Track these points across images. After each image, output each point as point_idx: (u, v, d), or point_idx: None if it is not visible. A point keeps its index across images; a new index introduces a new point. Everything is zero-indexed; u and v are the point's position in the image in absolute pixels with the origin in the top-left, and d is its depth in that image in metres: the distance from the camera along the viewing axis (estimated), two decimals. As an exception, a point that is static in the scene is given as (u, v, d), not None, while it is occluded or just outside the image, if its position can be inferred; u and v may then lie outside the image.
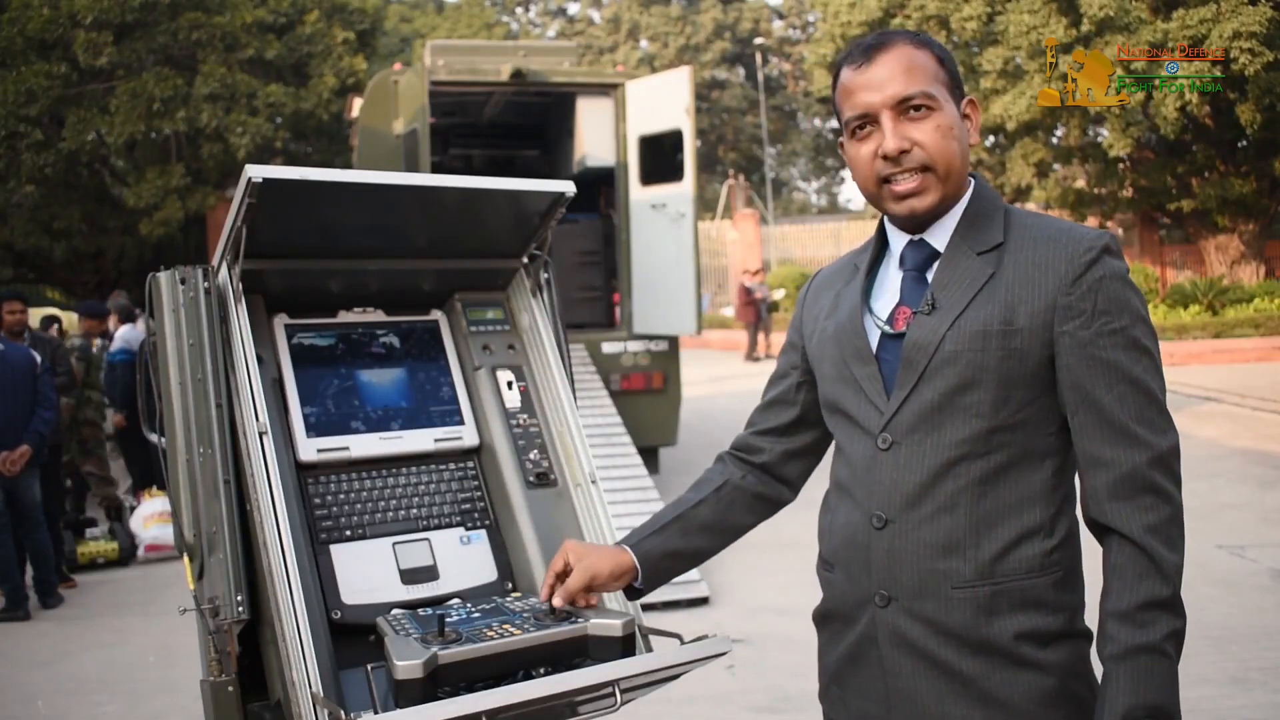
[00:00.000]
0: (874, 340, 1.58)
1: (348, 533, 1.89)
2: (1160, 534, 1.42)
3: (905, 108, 1.52)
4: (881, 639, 1.56)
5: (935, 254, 1.57)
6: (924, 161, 1.52)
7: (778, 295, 22.27)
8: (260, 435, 1.72)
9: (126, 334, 8.58)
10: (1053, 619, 1.50)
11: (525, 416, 2.10)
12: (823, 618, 1.69)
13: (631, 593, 1.77)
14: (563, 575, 1.72)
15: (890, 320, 1.57)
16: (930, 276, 1.56)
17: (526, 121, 10.05)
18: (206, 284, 1.80)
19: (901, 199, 1.55)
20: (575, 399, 2.09)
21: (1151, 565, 1.41)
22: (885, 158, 1.53)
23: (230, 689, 1.73)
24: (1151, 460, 1.44)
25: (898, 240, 1.62)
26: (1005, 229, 1.54)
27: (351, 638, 1.79)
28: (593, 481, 2.01)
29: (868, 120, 1.55)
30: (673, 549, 1.76)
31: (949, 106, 1.53)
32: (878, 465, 1.55)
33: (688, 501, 1.80)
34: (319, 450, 1.91)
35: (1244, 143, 17.23)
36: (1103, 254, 1.47)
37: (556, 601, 1.70)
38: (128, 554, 7.50)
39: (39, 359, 6.45)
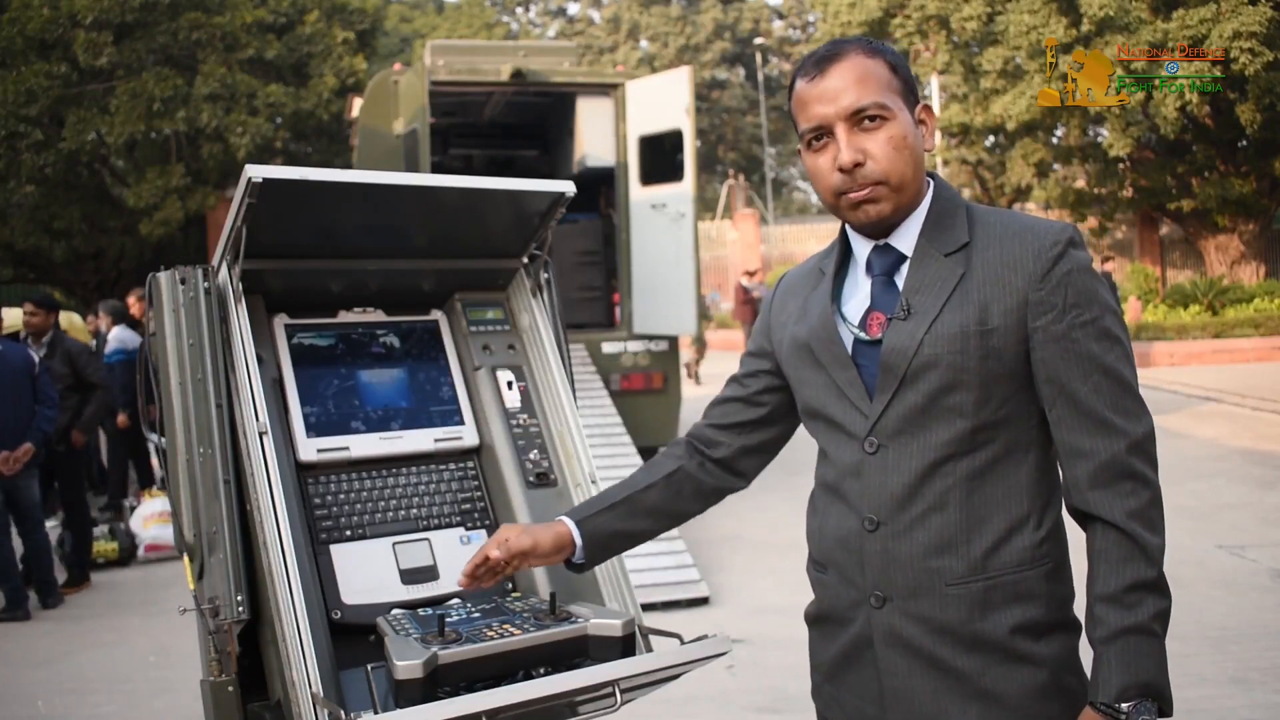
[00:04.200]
0: (848, 345, 1.59)
1: (348, 533, 1.89)
2: (1142, 518, 1.46)
3: (859, 119, 1.53)
4: (877, 639, 1.57)
5: (902, 257, 1.58)
6: (877, 176, 1.53)
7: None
8: (260, 435, 1.72)
9: (120, 335, 8.55)
10: (1045, 610, 1.52)
11: (525, 416, 2.10)
12: (815, 618, 1.70)
13: (571, 567, 1.79)
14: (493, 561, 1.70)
15: (863, 325, 1.58)
16: (900, 280, 1.57)
17: (526, 121, 10.03)
18: (206, 284, 1.80)
19: (857, 206, 1.55)
20: (575, 399, 2.09)
21: (1136, 548, 1.45)
22: (841, 170, 1.54)
23: (230, 689, 1.73)
24: (1129, 447, 1.47)
25: (862, 246, 1.63)
26: (970, 228, 1.56)
27: (351, 638, 1.79)
28: (593, 481, 2.01)
29: (823, 132, 1.55)
30: (616, 529, 1.77)
31: (903, 115, 1.54)
32: (866, 469, 1.56)
33: (637, 484, 1.80)
34: (319, 450, 1.91)
35: (1244, 143, 17.21)
36: (1068, 247, 1.50)
37: (493, 553, 1.67)
38: (128, 554, 7.50)
39: (37, 359, 6.45)
